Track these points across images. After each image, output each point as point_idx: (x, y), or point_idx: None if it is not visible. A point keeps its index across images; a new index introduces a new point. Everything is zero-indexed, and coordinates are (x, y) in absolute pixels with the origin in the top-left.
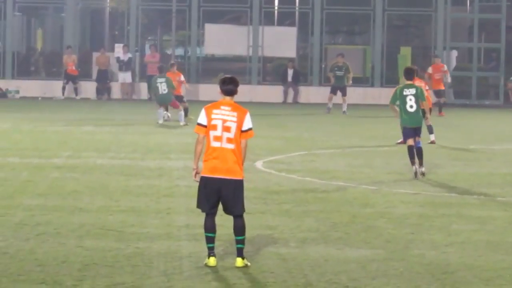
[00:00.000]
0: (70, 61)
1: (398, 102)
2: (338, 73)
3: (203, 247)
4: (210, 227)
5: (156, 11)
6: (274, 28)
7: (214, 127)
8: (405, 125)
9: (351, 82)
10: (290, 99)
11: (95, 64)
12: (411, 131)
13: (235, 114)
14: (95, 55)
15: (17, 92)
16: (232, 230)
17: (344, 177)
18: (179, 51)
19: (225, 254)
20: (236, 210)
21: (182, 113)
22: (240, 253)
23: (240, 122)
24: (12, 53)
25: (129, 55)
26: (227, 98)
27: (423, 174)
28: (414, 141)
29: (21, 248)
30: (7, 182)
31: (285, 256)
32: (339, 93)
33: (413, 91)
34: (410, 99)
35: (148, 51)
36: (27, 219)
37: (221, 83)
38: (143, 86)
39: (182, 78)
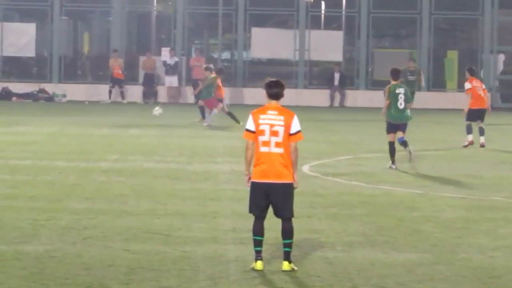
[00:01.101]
0: (116, 65)
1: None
2: (410, 77)
3: (250, 251)
4: (258, 231)
5: (203, 14)
6: (320, 31)
7: (262, 132)
8: (391, 120)
9: (423, 84)
10: (336, 103)
11: (141, 68)
12: (394, 126)
13: (282, 118)
14: (142, 59)
15: (64, 96)
16: (279, 234)
17: (391, 181)
18: (226, 55)
19: (272, 258)
20: (285, 213)
21: (212, 113)
22: (287, 257)
23: (287, 126)
24: (59, 57)
25: (176, 58)
26: (274, 102)
27: (411, 157)
28: (394, 137)
29: (68, 251)
30: (54, 185)
31: (331, 260)
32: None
33: (402, 90)
34: (401, 97)
35: (194, 55)
36: (74, 222)
37: (267, 87)
38: (190, 90)
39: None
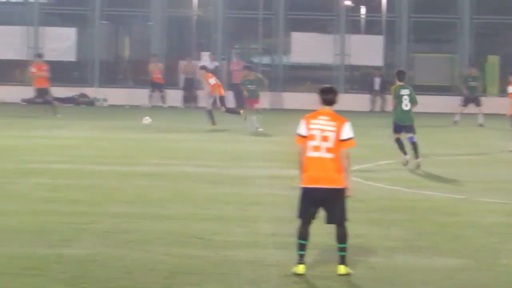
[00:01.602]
0: (156, 70)
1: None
2: (472, 83)
3: (291, 255)
4: (304, 235)
5: (243, 19)
6: (360, 36)
7: (313, 137)
8: (396, 121)
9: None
10: (377, 107)
11: (181, 72)
12: (401, 127)
13: (334, 123)
14: (182, 63)
15: (105, 100)
16: (318, 239)
17: (432, 186)
18: (265, 60)
19: (314, 262)
20: (338, 218)
21: (254, 117)
22: (342, 261)
23: (338, 132)
24: (99, 62)
25: (216, 63)
26: (326, 107)
27: (419, 166)
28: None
29: (109, 255)
30: (96, 189)
31: (373, 265)
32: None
33: (407, 91)
34: (405, 99)
35: (234, 59)
36: (115, 226)
37: (321, 93)
38: (230, 95)
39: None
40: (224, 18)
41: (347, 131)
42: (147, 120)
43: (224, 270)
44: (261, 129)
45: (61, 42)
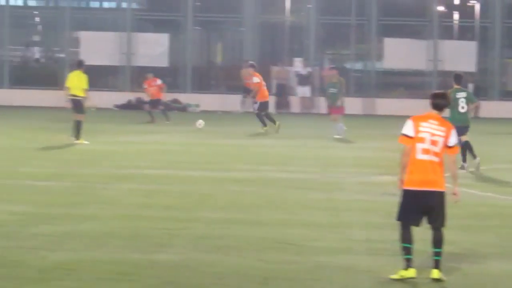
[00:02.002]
0: (248, 75)
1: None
2: None
3: (384, 261)
4: (409, 238)
5: (335, 24)
6: (453, 42)
7: (422, 140)
8: (453, 123)
9: None
10: (470, 113)
11: (274, 78)
12: (460, 129)
13: (443, 129)
14: (274, 69)
15: (197, 106)
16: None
17: None
18: (358, 65)
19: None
20: (438, 222)
21: (342, 125)
22: (437, 265)
23: (446, 137)
24: (192, 68)
25: (308, 69)
26: (435, 112)
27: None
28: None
29: (202, 261)
30: (188, 195)
31: (466, 271)
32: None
33: (464, 94)
34: (462, 101)
35: (326, 65)
36: (207, 232)
37: (433, 97)
38: (323, 100)
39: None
40: (317, 23)
41: (453, 138)
42: (200, 124)
43: (317, 276)
44: (338, 136)
45: (153, 48)
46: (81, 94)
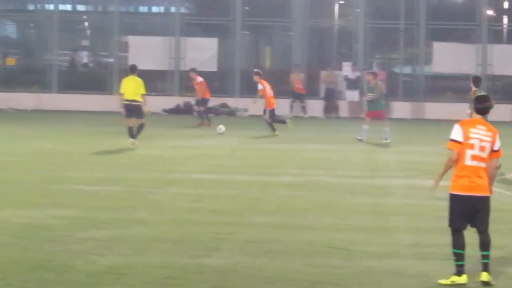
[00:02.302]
0: (297, 80)
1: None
2: None
3: (432, 266)
4: (461, 244)
5: (384, 29)
6: (503, 46)
7: (471, 146)
8: None
9: None
10: None
11: (322, 82)
12: None
13: (490, 134)
14: (323, 73)
15: (246, 110)
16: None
17: None
18: (406, 69)
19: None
20: (485, 225)
21: (387, 129)
22: (486, 268)
23: (493, 142)
24: (240, 72)
25: (357, 73)
26: (479, 116)
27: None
28: None
29: (250, 265)
30: (236, 199)
31: None
32: None
33: None
34: None
35: (375, 69)
36: (255, 236)
37: (477, 101)
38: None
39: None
40: (365, 28)
41: (498, 141)
42: (220, 129)
43: (365, 281)
44: (360, 138)
45: (202, 52)
46: (138, 98)
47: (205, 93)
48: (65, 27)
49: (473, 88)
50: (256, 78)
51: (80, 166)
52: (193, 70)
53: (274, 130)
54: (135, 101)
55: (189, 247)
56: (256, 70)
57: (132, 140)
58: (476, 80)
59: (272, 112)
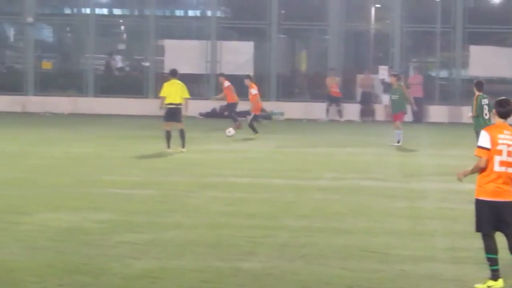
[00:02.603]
0: (333, 83)
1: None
2: None
3: (468, 270)
4: (493, 248)
5: (420, 32)
6: None
7: (500, 152)
8: (479, 130)
9: None
10: None
11: (358, 86)
12: None
13: None
14: (359, 77)
15: (282, 114)
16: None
17: None
18: (443, 73)
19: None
20: (511, 229)
21: (399, 132)
22: None
23: None
24: (276, 76)
25: None
26: (502, 120)
27: None
28: None
29: (285, 269)
30: (272, 203)
31: None
32: None
33: (486, 101)
34: (485, 108)
35: (412, 73)
36: (291, 240)
37: (498, 105)
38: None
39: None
40: (402, 31)
41: None
42: (230, 132)
43: (401, 285)
44: (397, 145)
45: (238, 56)
46: (182, 102)
47: (233, 97)
48: (101, 31)
49: (477, 93)
50: (247, 82)
51: (117, 170)
52: (221, 74)
53: (256, 131)
54: (179, 104)
55: (225, 250)
56: (247, 73)
57: (181, 149)
58: (479, 85)
59: (255, 116)
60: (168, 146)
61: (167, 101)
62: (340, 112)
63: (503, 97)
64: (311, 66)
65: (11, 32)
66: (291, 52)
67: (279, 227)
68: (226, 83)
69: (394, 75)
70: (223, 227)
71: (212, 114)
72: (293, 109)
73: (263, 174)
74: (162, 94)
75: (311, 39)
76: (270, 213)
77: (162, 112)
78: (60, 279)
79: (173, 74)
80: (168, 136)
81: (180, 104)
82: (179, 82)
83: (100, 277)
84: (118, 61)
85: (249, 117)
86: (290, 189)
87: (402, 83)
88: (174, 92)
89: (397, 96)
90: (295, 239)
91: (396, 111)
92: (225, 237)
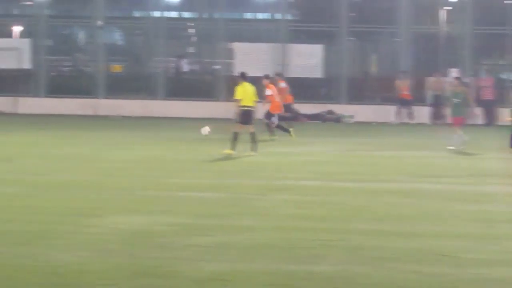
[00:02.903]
0: (404, 86)
1: None
2: None
3: None
4: None
5: (491, 35)
6: None
7: None
8: None
9: None
10: None
11: (429, 88)
12: None
13: None
14: (429, 79)
15: (352, 117)
16: None
17: None
18: None
19: None
20: None
21: (457, 136)
22: None
23: None
24: (347, 79)
25: (465, 79)
26: None
27: None
28: None
29: (358, 272)
30: (344, 206)
31: None
32: None
33: None
34: None
35: (483, 75)
36: (363, 243)
37: None
38: (479, 111)
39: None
40: (472, 34)
41: None
42: (205, 130)
43: None
44: (453, 148)
45: (308, 59)
46: (254, 105)
47: (287, 98)
48: (171, 34)
49: None
50: (265, 82)
51: (187, 173)
52: (278, 74)
53: (288, 131)
54: (253, 107)
55: (296, 253)
56: (266, 74)
57: (253, 153)
58: None
59: (277, 116)
60: (234, 149)
61: (242, 103)
62: (410, 115)
63: None
64: (381, 69)
65: (81, 36)
66: (360, 55)
67: (350, 230)
68: (281, 85)
69: (456, 78)
70: (294, 230)
71: (280, 117)
72: (363, 112)
73: (333, 177)
74: (237, 96)
75: (381, 42)
76: (341, 216)
77: (233, 115)
78: (131, 281)
79: (244, 77)
80: (237, 138)
81: (253, 107)
82: (249, 84)
83: (171, 280)
84: (189, 64)
85: (273, 119)
86: (361, 192)
87: (464, 87)
88: (248, 95)
89: (459, 100)
90: (366, 242)
91: (456, 114)
92: (296, 240)
